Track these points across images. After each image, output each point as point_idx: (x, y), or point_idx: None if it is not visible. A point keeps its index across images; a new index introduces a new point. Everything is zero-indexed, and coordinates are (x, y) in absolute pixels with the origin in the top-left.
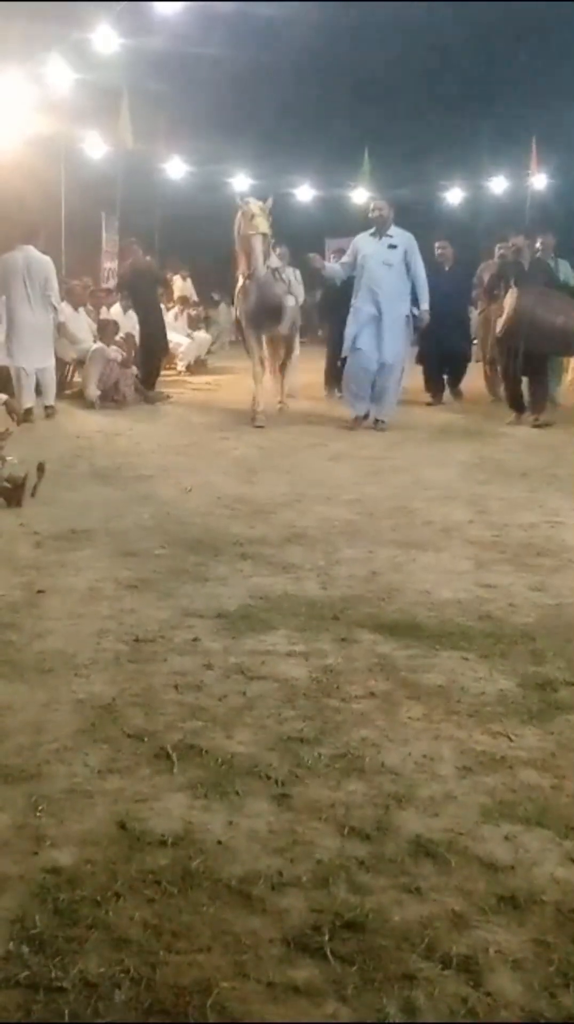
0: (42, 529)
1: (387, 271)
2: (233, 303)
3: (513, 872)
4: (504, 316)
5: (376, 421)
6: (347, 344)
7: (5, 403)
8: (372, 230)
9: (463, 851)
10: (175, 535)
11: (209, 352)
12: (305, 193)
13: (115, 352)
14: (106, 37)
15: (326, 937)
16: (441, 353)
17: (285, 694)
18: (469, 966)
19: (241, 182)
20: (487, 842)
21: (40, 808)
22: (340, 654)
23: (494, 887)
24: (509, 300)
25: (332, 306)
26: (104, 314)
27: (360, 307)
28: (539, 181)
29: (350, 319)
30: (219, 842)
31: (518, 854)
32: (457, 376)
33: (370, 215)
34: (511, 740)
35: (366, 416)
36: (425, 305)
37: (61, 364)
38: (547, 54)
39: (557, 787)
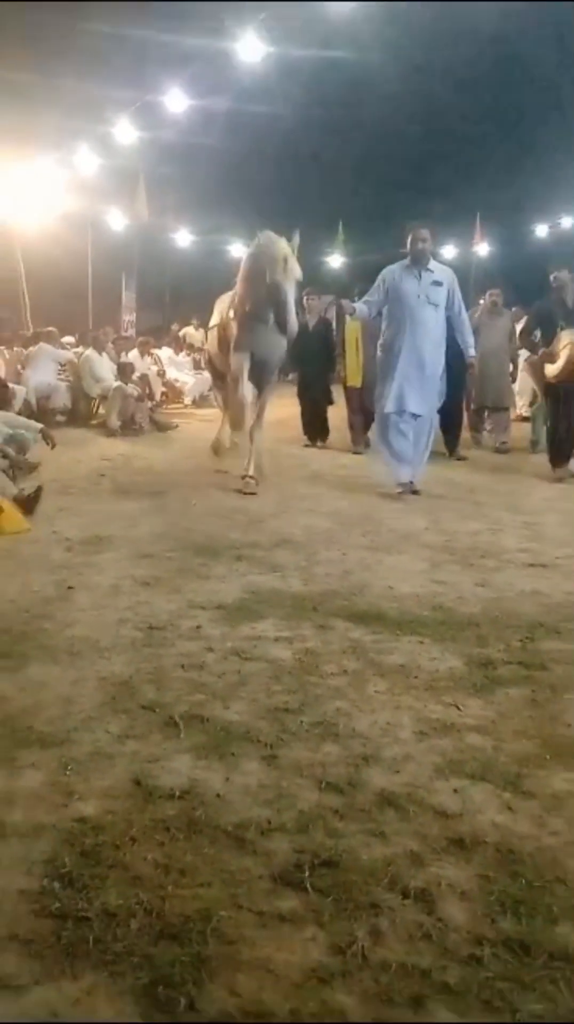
0: (72, 536)
1: (433, 313)
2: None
3: (461, 819)
4: (564, 359)
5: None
6: (390, 402)
7: (41, 431)
8: (406, 262)
9: (420, 801)
10: (182, 540)
11: (210, 389)
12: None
13: (132, 389)
14: (125, 130)
15: (306, 874)
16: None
17: (273, 672)
18: (425, 897)
19: (237, 248)
20: (439, 794)
21: (69, 768)
22: (318, 639)
23: (445, 831)
24: (569, 339)
25: (303, 353)
26: (123, 358)
27: (401, 355)
28: (482, 249)
29: (388, 368)
30: (218, 795)
31: (465, 804)
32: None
33: (412, 245)
34: (459, 710)
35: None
36: (473, 351)
37: (87, 399)
38: (490, 143)
39: (497, 748)
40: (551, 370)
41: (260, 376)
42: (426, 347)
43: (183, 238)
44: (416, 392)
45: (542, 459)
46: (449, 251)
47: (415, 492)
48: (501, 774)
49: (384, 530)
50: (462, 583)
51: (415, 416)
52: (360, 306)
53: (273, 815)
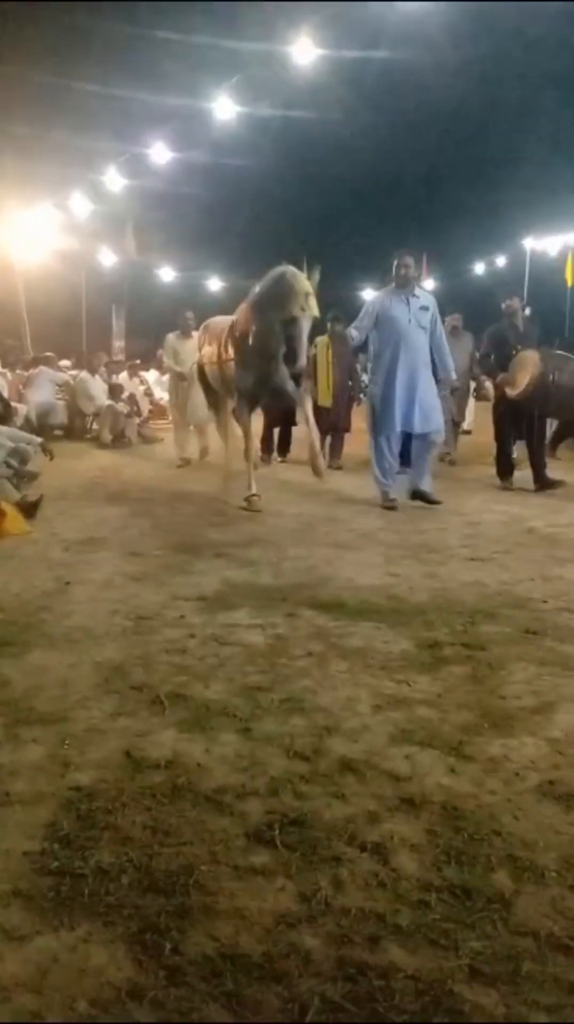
0: (69, 537)
1: (423, 336)
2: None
3: (411, 781)
4: (526, 380)
5: (419, 494)
6: (392, 424)
7: (41, 444)
8: (391, 288)
9: (375, 767)
10: (167, 540)
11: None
12: None
13: (122, 407)
14: (114, 179)
15: (276, 832)
16: None
17: (247, 655)
18: (380, 850)
19: (214, 283)
20: (392, 760)
21: (66, 742)
22: (287, 625)
23: (397, 792)
24: (528, 363)
25: None
26: (114, 379)
27: (397, 378)
28: (428, 284)
29: (385, 392)
30: (199, 764)
31: (414, 768)
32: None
33: (397, 272)
34: (410, 686)
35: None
36: (454, 374)
37: (82, 416)
38: (436, 192)
39: (443, 719)
40: (510, 389)
41: (282, 403)
42: (419, 368)
43: (167, 274)
44: (417, 412)
45: (491, 469)
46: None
47: (436, 502)
48: (446, 741)
49: (344, 530)
50: (413, 575)
51: (422, 435)
52: (350, 331)
53: (247, 781)
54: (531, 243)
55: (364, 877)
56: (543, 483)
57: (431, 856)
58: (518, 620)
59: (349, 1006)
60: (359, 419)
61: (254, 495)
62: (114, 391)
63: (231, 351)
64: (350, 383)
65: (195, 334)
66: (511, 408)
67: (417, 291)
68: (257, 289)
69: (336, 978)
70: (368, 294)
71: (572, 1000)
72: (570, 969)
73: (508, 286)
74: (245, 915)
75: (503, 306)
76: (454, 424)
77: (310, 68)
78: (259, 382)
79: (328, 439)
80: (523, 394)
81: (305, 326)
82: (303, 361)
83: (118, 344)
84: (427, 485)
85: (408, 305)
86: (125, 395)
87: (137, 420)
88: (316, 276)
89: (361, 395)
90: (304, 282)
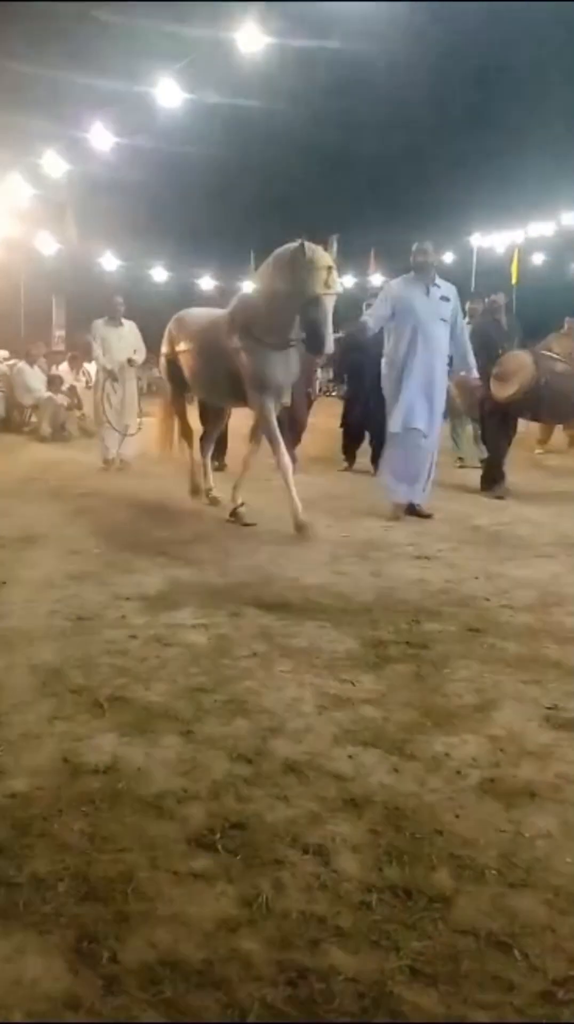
0: (5, 534)
1: (443, 329)
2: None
3: (354, 781)
4: (518, 384)
5: (415, 508)
6: (399, 419)
7: None
8: (410, 276)
9: (319, 767)
10: (109, 538)
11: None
12: (207, 283)
13: (62, 399)
14: (54, 163)
15: (218, 836)
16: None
17: (190, 656)
18: (322, 851)
19: (159, 273)
20: (336, 760)
21: (1, 748)
22: (231, 625)
23: (340, 793)
24: (521, 366)
25: None
26: (54, 370)
27: (412, 372)
28: (376, 279)
29: (396, 385)
30: (139, 769)
31: (358, 768)
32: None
33: (414, 259)
34: (354, 685)
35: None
36: (475, 371)
37: (20, 408)
38: (384, 185)
39: (386, 718)
40: (499, 390)
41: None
42: (436, 364)
43: (109, 262)
44: (425, 410)
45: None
46: (348, 280)
47: (427, 515)
48: (389, 740)
49: (290, 528)
50: (358, 573)
51: (420, 432)
52: (366, 319)
53: (189, 784)
54: (478, 240)
55: (306, 879)
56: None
57: (373, 856)
58: (462, 618)
59: (289, 1010)
60: (318, 417)
61: (240, 505)
62: (53, 383)
63: (238, 341)
64: (309, 381)
65: (127, 322)
66: (500, 412)
67: (438, 280)
68: (265, 270)
69: (276, 982)
70: None
71: (511, 998)
72: (509, 967)
73: (456, 281)
74: (184, 921)
75: (486, 302)
76: None
77: (258, 56)
78: (271, 378)
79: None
80: (513, 398)
81: (329, 305)
82: (330, 346)
83: (58, 334)
84: (425, 499)
85: (428, 294)
86: (65, 387)
87: (78, 413)
88: (334, 247)
89: (320, 393)
90: (324, 255)
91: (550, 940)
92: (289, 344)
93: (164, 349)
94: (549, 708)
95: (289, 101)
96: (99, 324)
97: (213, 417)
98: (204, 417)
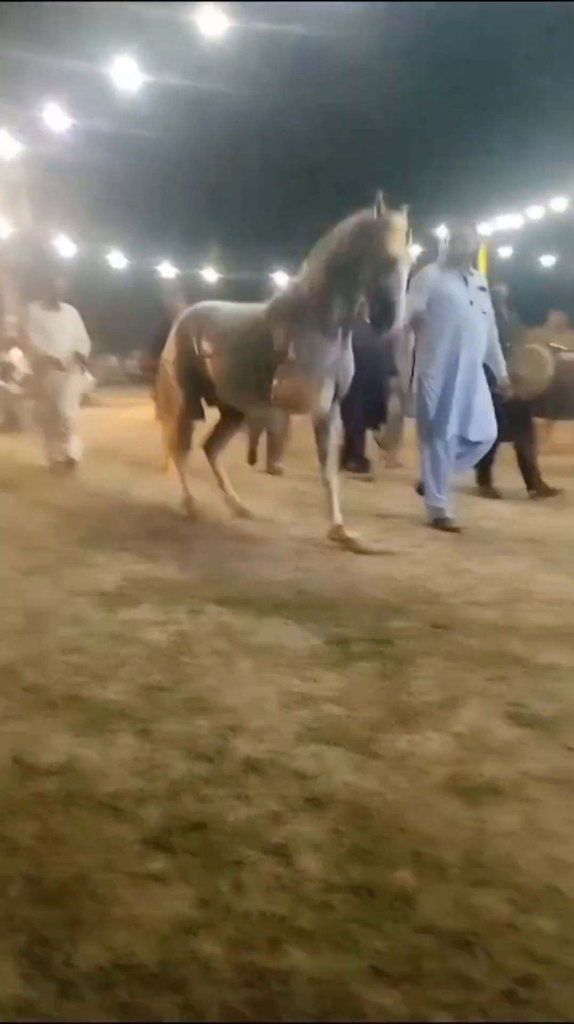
0: None
1: (483, 322)
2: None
3: (317, 780)
4: (540, 379)
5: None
6: (445, 423)
7: None
8: (443, 261)
9: (281, 766)
10: (66, 532)
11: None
12: (167, 270)
13: (14, 388)
14: (8, 143)
15: (176, 836)
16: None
17: (149, 654)
18: (283, 851)
19: (117, 259)
20: (298, 759)
21: None
22: (192, 622)
23: (303, 792)
24: (541, 360)
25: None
26: (5, 357)
27: (456, 370)
28: None
29: (441, 387)
30: (94, 769)
31: (321, 766)
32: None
33: (451, 245)
34: (318, 683)
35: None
36: (505, 371)
37: None
38: (346, 171)
39: (350, 716)
40: (517, 391)
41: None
42: (479, 362)
43: (64, 246)
44: (474, 416)
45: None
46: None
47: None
48: (353, 738)
49: (254, 523)
50: (323, 569)
51: (475, 443)
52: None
53: (146, 784)
54: (443, 232)
55: (266, 880)
56: (541, 489)
57: (335, 856)
58: (427, 615)
59: (248, 1012)
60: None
61: (340, 530)
62: (6, 370)
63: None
64: None
65: (66, 307)
66: (505, 407)
67: (472, 268)
68: (326, 246)
69: (235, 984)
70: (280, 277)
71: (473, 997)
72: (471, 966)
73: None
74: (141, 924)
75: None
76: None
77: (219, 39)
78: (328, 362)
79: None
80: (533, 394)
81: (405, 274)
82: (400, 322)
83: (11, 320)
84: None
85: (466, 284)
86: (18, 376)
87: (32, 402)
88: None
89: None
90: (401, 217)
91: (513, 938)
92: (349, 320)
93: (174, 350)
94: (514, 705)
95: (253, 86)
96: (36, 309)
97: (230, 421)
98: (223, 423)
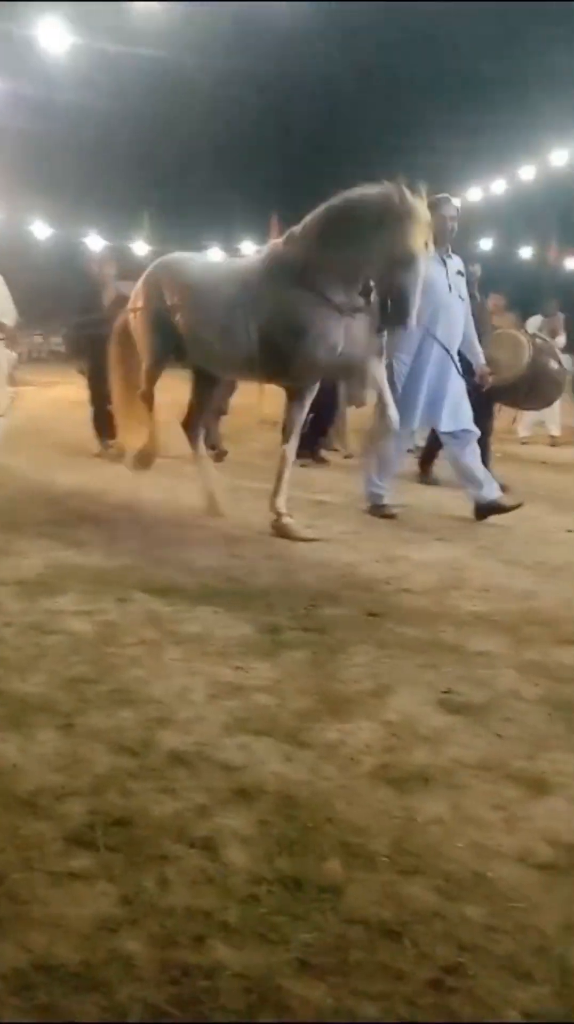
0: None
1: (462, 308)
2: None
3: (245, 771)
4: (517, 365)
5: (491, 507)
6: (408, 412)
7: None
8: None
9: (208, 758)
10: None
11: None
12: (95, 242)
13: None
14: None
15: (98, 833)
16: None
17: (72, 644)
18: (209, 845)
19: (41, 229)
20: (227, 750)
21: None
22: (118, 611)
23: (230, 783)
24: (517, 345)
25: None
26: None
27: (427, 357)
28: None
29: (408, 373)
30: (13, 765)
31: (249, 757)
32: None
33: (434, 222)
34: (248, 672)
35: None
36: (482, 359)
37: None
38: (287, 148)
39: (280, 705)
40: (491, 378)
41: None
42: (454, 344)
43: None
44: (445, 405)
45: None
46: (247, 247)
47: (514, 507)
48: (283, 728)
49: (185, 509)
50: (255, 556)
51: (453, 435)
52: None
53: (67, 780)
54: None
55: (192, 874)
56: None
57: (263, 848)
58: (360, 602)
59: (172, 1010)
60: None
61: (285, 516)
62: None
63: (288, 292)
64: None
65: None
66: (475, 395)
67: (450, 251)
68: (334, 213)
69: (159, 982)
70: (215, 252)
71: (400, 988)
72: (399, 956)
73: None
74: (61, 923)
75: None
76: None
77: (157, 5)
78: (332, 346)
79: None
80: (507, 381)
81: (422, 269)
82: (414, 319)
83: None
84: (494, 492)
85: (445, 267)
86: None
87: None
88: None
89: None
90: (425, 209)
91: (440, 927)
92: (358, 309)
93: (140, 303)
94: (444, 692)
95: (187, 54)
96: None
97: (207, 393)
98: (197, 392)
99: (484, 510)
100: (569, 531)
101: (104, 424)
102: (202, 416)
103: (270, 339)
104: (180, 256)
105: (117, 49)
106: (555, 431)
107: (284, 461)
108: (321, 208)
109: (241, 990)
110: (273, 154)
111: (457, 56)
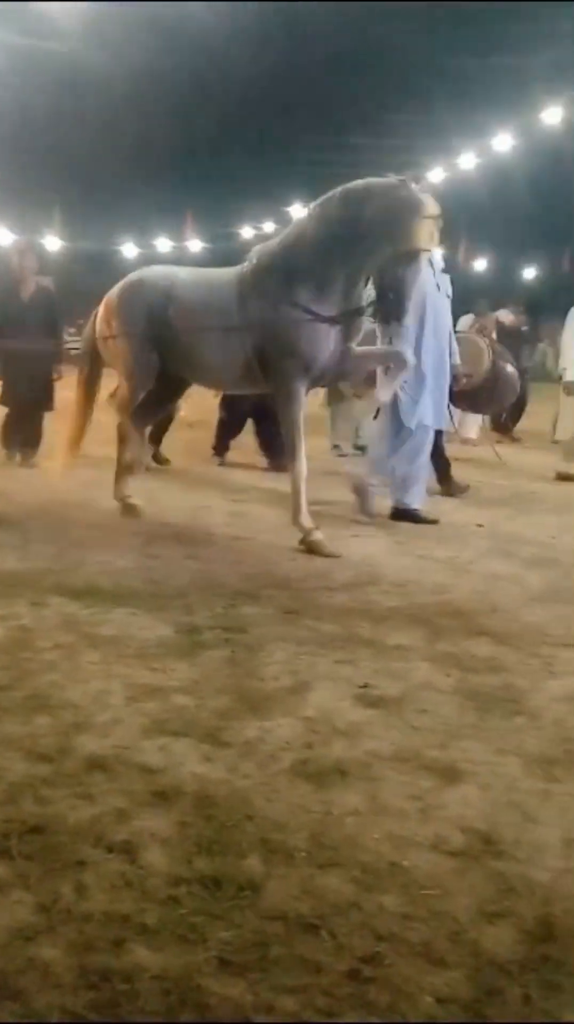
0: None
1: (448, 306)
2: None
3: (164, 773)
4: (479, 372)
5: (403, 513)
6: (427, 415)
7: None
8: None
9: (126, 761)
10: None
11: None
12: (3, 236)
13: None
14: None
15: (13, 841)
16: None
17: None
18: (128, 848)
19: None
20: (145, 752)
21: None
22: (32, 615)
23: (149, 786)
24: (479, 352)
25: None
26: None
27: (427, 359)
28: (194, 245)
29: (416, 372)
30: None
31: (168, 759)
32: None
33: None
34: (166, 674)
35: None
36: (457, 358)
37: None
38: (199, 149)
39: (199, 706)
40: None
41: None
42: (445, 349)
43: None
44: (439, 403)
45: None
46: (163, 244)
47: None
48: (202, 728)
49: (100, 510)
50: (173, 557)
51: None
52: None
53: None
54: (297, 210)
55: (110, 879)
56: (451, 486)
57: (182, 849)
58: (278, 600)
59: (91, 1015)
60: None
61: (314, 531)
62: None
63: (268, 311)
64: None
65: None
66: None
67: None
68: (322, 212)
69: (77, 987)
70: (129, 249)
71: (318, 980)
72: (317, 948)
73: None
74: None
75: None
76: None
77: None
78: (318, 358)
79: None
80: (469, 387)
81: (423, 266)
82: (407, 318)
83: None
84: (417, 499)
85: (432, 266)
86: None
87: None
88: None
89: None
90: (433, 202)
91: (357, 918)
92: (357, 314)
93: (120, 323)
94: (361, 687)
95: (101, 49)
96: None
97: (167, 395)
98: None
99: (399, 515)
100: (479, 525)
101: (12, 432)
102: (156, 413)
103: (272, 347)
104: (160, 271)
105: (26, 43)
106: (472, 433)
107: (297, 478)
108: (320, 204)
109: (160, 991)
110: (187, 151)
111: (385, 51)
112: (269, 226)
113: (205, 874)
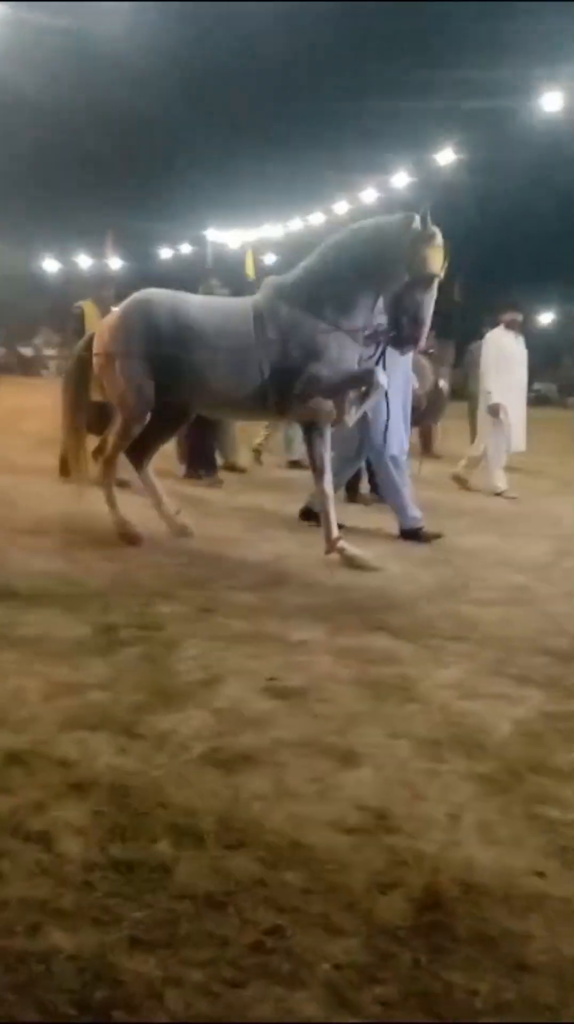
0: None
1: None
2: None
3: (80, 766)
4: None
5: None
6: (395, 442)
7: None
8: None
9: (43, 755)
10: None
11: None
12: None
13: None
14: None
15: None
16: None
17: None
18: (44, 838)
19: None
20: (62, 746)
21: None
22: None
23: (66, 778)
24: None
25: None
26: None
27: (392, 383)
28: (115, 263)
29: (394, 392)
30: None
31: (84, 752)
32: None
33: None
34: (83, 671)
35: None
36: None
37: None
38: (123, 170)
39: (115, 701)
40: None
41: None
42: (408, 371)
43: None
44: (404, 429)
45: None
46: (84, 261)
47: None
48: (117, 722)
49: (20, 513)
50: (91, 559)
51: (395, 459)
52: None
53: None
54: (213, 234)
55: (27, 867)
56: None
57: (97, 837)
58: (193, 600)
59: (8, 995)
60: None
61: (339, 541)
62: None
63: (304, 328)
64: None
65: None
66: None
67: None
68: (343, 243)
69: None
70: (50, 264)
71: (225, 953)
72: (224, 924)
73: (194, 272)
74: None
75: None
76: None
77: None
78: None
79: None
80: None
81: (434, 293)
82: (425, 339)
83: None
84: (416, 519)
85: None
86: None
87: None
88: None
89: None
90: (440, 235)
91: (262, 894)
92: (378, 336)
93: (116, 346)
94: (269, 679)
95: (22, 66)
96: None
97: (170, 424)
98: (156, 422)
99: (408, 535)
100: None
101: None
102: (150, 450)
103: (289, 374)
104: (164, 293)
105: None
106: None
107: (325, 497)
108: (334, 238)
109: (75, 970)
110: (110, 170)
111: (288, 88)
112: (185, 248)
113: (118, 859)
